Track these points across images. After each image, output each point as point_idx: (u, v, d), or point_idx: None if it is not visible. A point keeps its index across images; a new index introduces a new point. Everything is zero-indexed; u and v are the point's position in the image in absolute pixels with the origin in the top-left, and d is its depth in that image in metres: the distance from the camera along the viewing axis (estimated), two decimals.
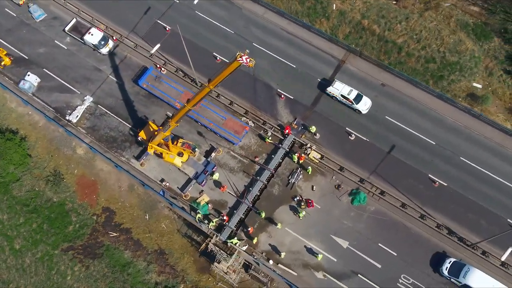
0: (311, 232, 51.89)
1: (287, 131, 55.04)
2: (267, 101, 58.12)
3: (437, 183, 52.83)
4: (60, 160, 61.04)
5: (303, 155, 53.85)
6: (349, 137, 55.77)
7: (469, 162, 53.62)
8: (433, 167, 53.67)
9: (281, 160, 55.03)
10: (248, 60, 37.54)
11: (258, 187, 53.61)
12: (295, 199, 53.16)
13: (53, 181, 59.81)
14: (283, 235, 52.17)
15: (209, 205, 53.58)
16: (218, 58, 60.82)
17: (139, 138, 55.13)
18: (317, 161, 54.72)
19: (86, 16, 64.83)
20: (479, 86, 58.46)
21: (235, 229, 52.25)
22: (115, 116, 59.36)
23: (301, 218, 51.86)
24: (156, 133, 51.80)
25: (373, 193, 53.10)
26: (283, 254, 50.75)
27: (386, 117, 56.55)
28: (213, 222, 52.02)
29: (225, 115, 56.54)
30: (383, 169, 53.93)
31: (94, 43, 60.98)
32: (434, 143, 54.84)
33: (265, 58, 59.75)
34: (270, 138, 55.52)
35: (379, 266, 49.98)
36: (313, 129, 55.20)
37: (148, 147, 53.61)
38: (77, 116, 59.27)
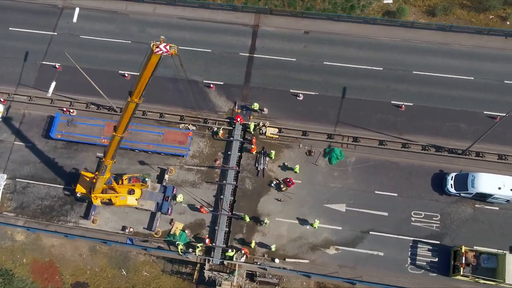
0: (303, 211, 46.76)
1: (238, 119, 49.17)
2: (198, 97, 51.93)
3: (402, 106, 49.40)
4: (2, 256, 52.02)
5: (253, 146, 48.15)
6: (297, 98, 50.96)
7: (422, 73, 50.82)
8: (392, 93, 50.28)
9: (239, 153, 49.22)
10: (168, 47, 30.87)
11: (229, 191, 47.58)
12: (273, 185, 47.69)
13: (3, 282, 50.73)
14: (277, 227, 46.66)
15: (186, 231, 46.90)
16: (127, 75, 53.75)
17: (78, 195, 47.20)
18: (277, 136, 49.44)
19: None
20: (390, 1, 56.19)
21: (224, 245, 46.08)
22: (41, 183, 50.77)
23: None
24: (94, 180, 44.13)
25: (346, 143, 48.76)
26: (286, 247, 45.27)
27: (324, 63, 52.38)
28: (198, 247, 45.44)
29: (160, 130, 49.72)
30: (345, 115, 49.82)
31: None
32: (381, 69, 51.43)
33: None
34: (221, 130, 49.44)
35: (386, 214, 45.85)
36: (256, 106, 49.74)
37: (92, 199, 45.85)
38: None
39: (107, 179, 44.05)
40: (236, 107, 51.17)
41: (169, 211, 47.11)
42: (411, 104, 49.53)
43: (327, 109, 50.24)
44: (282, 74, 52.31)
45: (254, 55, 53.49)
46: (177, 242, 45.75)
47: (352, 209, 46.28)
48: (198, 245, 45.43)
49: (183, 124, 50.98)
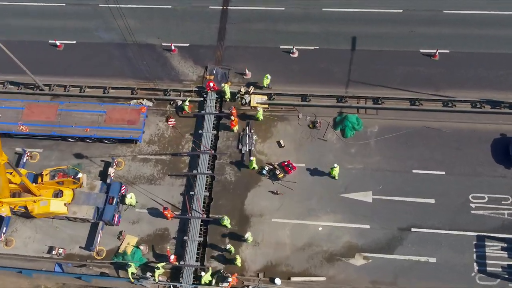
0: (311, 205, 32.29)
1: (211, 84, 35.25)
2: (155, 64, 38.31)
3: (436, 55, 35.92)
4: None
5: (233, 118, 34.09)
6: (291, 55, 37.33)
7: (457, 12, 37.64)
8: (419, 39, 37.11)
9: (215, 131, 35.03)
10: None
11: (203, 184, 33.10)
12: (264, 172, 33.30)
13: None
14: (274, 231, 31.96)
15: (142, 247, 32.00)
16: (59, 44, 40.17)
17: None
18: (267, 106, 35.42)
19: None
20: None
21: (199, 263, 31.27)
22: None
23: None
24: None
25: (364, 108, 34.83)
26: (290, 260, 30.57)
27: (323, 9, 39.17)
28: (159, 268, 30.44)
29: (102, 108, 35.52)
30: (358, 72, 36.31)
31: None
32: (401, 10, 38.34)
33: (126, 15, 38.92)
34: (188, 103, 35.46)
35: (432, 201, 31.46)
36: (267, 79, 35.16)
37: None
38: None
39: (15, 174, 29.37)
40: (208, 72, 37.39)
41: (115, 219, 32.31)
42: (447, 51, 36.16)
43: (333, 65, 36.70)
44: (267, 27, 39.08)
45: (229, 8, 40.40)
46: (127, 264, 30.69)
47: (382, 198, 31.88)
48: (159, 265, 30.39)
49: (135, 100, 36.88)
